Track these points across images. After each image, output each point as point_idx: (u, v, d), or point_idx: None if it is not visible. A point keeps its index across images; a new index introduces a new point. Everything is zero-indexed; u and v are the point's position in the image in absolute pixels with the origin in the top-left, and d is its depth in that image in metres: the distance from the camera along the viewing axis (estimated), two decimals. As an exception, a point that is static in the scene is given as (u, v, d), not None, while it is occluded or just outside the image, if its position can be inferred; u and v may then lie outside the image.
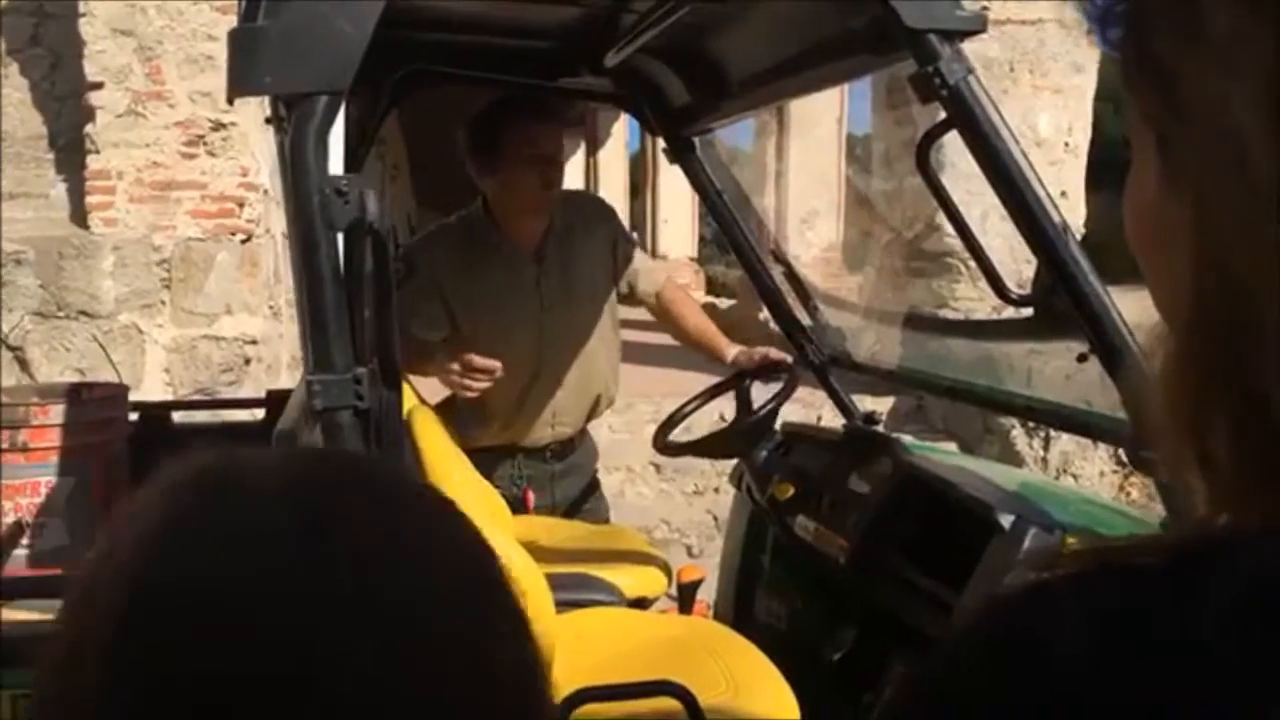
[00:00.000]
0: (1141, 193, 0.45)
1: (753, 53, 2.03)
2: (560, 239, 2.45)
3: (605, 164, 17.20)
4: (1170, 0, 0.39)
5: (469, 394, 2.20)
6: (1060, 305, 1.50)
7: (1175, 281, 0.42)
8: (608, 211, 2.67)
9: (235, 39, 1.19)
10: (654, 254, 14.97)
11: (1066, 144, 5.78)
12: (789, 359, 2.41)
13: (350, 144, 2.29)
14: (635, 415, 5.65)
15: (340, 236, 1.22)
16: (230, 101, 1.25)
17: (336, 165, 1.24)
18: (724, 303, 10.53)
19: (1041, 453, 4.62)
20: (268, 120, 1.24)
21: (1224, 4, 0.37)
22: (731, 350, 2.51)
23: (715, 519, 4.69)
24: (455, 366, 2.17)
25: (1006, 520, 1.65)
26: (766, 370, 2.41)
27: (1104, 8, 0.45)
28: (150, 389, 4.78)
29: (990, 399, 2.04)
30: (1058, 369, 1.61)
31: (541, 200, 2.36)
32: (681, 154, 2.50)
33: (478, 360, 2.17)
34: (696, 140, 2.51)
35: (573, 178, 19.67)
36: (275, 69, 1.17)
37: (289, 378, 5.00)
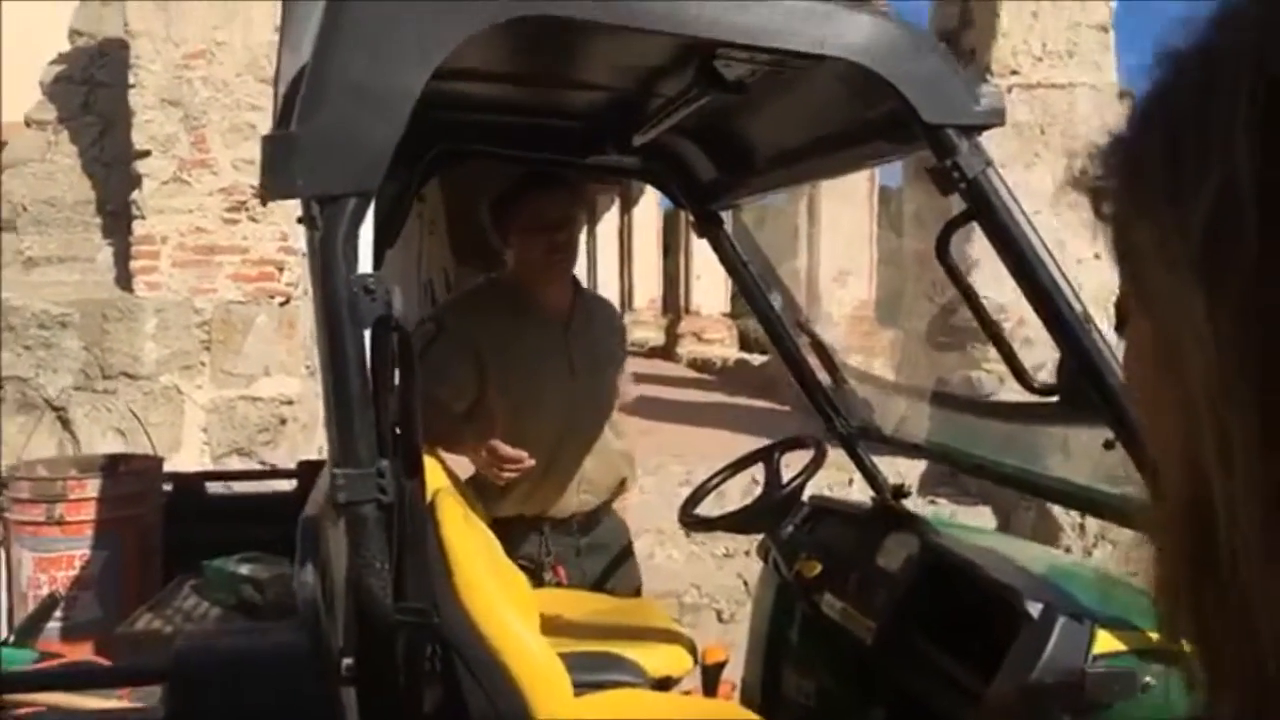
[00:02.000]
0: (1132, 356, 0.45)
1: (777, 135, 2.07)
2: (586, 312, 2.52)
3: (639, 221, 17.38)
4: (1145, 205, 0.40)
5: (499, 481, 2.26)
6: (1085, 393, 1.50)
7: (1164, 446, 0.43)
8: (617, 313, 2.89)
9: (269, 144, 1.23)
10: (687, 310, 15.05)
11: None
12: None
13: (384, 219, 2.36)
14: (666, 477, 5.63)
15: (367, 333, 1.24)
16: (264, 204, 1.29)
17: (365, 261, 1.27)
18: (757, 359, 10.52)
19: (1078, 519, 4.54)
20: (299, 220, 1.28)
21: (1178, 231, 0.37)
22: None
23: (745, 583, 4.64)
24: (485, 455, 2.21)
25: (1035, 609, 1.63)
26: (794, 444, 2.41)
27: (1095, 185, 0.45)
28: (189, 449, 4.86)
29: (1018, 479, 2.02)
30: (1091, 444, 1.60)
31: (551, 267, 2.44)
32: (708, 228, 2.53)
33: (506, 451, 2.21)
34: (724, 215, 2.53)
35: (607, 235, 19.92)
36: (307, 172, 1.21)
37: (324, 438, 5.05)
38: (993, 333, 1.64)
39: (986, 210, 1.42)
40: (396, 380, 1.28)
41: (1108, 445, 1.54)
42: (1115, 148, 0.43)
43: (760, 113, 1.99)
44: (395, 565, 1.27)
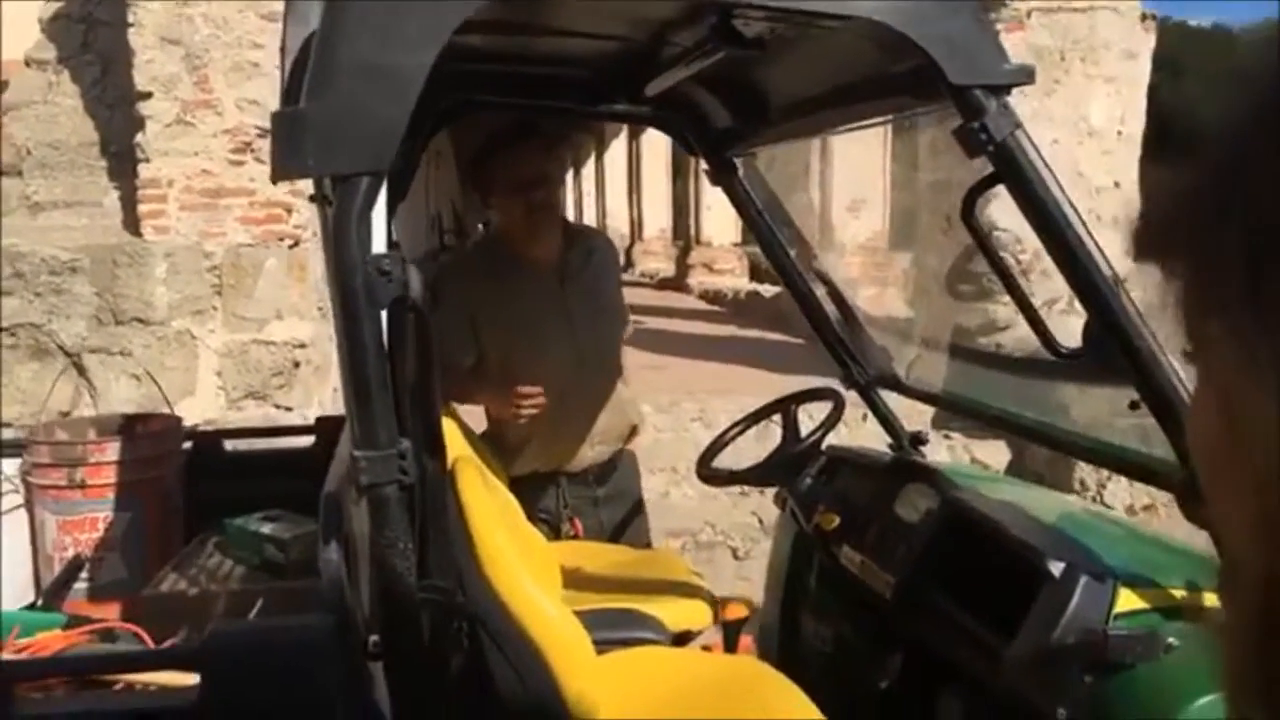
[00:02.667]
0: (1198, 431, 0.43)
1: (795, 84, 2.01)
2: (581, 260, 2.49)
3: (648, 148, 17.14)
4: (1221, 302, 0.38)
5: (520, 419, 2.27)
6: (1111, 355, 1.48)
7: (1233, 521, 0.41)
8: (614, 247, 2.80)
9: (278, 122, 1.20)
10: (698, 240, 14.92)
11: (1120, 132, 5.64)
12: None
13: (395, 173, 2.33)
14: (679, 414, 5.64)
15: (383, 313, 1.23)
16: (274, 182, 1.26)
17: (380, 241, 1.25)
18: (769, 290, 10.46)
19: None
20: (311, 198, 1.25)
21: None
22: None
23: (760, 521, 4.68)
24: (501, 398, 2.22)
25: (1056, 568, 1.63)
26: (811, 396, 2.40)
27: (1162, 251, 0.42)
28: (203, 393, 4.88)
29: (1038, 432, 2.01)
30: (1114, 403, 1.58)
31: (535, 225, 2.41)
32: (722, 175, 2.48)
33: (521, 389, 2.23)
34: (737, 161, 2.48)
35: (615, 163, 19.67)
36: (318, 151, 1.18)
37: (338, 380, 5.07)
38: (1016, 293, 1.61)
39: (1014, 173, 1.39)
40: (414, 360, 1.27)
41: (1133, 406, 1.52)
42: (1183, 227, 0.40)
43: (779, 64, 1.94)
44: (418, 543, 1.28)
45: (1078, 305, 1.48)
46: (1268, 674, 0.39)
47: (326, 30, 1.16)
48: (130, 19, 4.81)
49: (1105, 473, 4.76)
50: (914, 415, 3.26)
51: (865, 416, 4.28)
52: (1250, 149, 0.38)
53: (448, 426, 1.90)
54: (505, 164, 2.38)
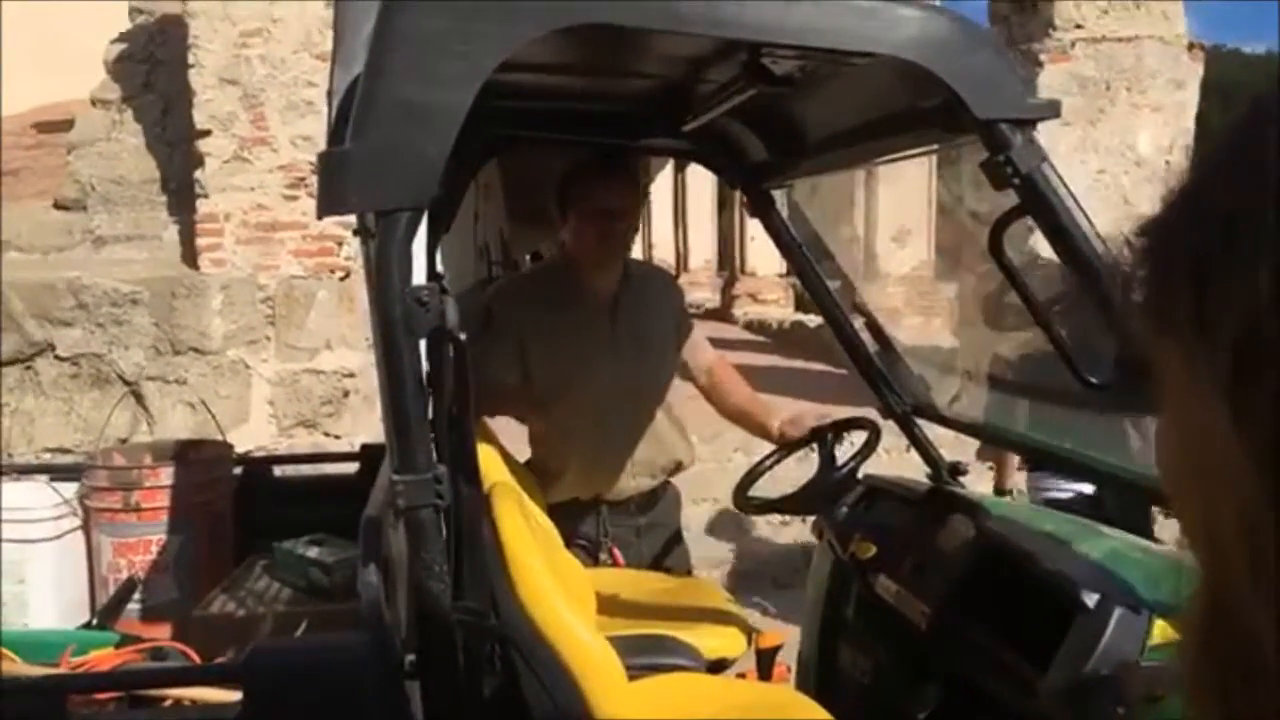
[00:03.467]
0: (1162, 453, 0.45)
1: (827, 120, 2.04)
2: (634, 295, 2.52)
3: (694, 180, 17.24)
4: (1172, 325, 0.40)
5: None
6: (1139, 387, 1.48)
7: (1195, 541, 0.43)
8: (675, 286, 2.81)
9: (324, 161, 1.26)
10: (742, 270, 14.95)
11: (1167, 162, 5.59)
12: (828, 419, 2.42)
13: (439, 205, 2.39)
14: (722, 445, 5.65)
15: (422, 343, 1.27)
16: (320, 218, 1.32)
17: (419, 273, 1.30)
18: (813, 320, 10.44)
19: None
20: (355, 232, 1.31)
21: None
22: (776, 424, 2.52)
23: (802, 550, 4.67)
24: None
25: (1091, 599, 1.62)
26: (849, 425, 2.41)
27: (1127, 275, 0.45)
28: (256, 421, 5.00)
29: (1074, 462, 2.00)
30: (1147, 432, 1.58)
31: (601, 253, 2.44)
32: (760, 207, 2.52)
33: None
34: (775, 194, 2.52)
35: (661, 195, 19.79)
36: (360, 188, 1.23)
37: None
38: (1045, 325, 1.62)
39: (1041, 205, 1.40)
40: (452, 388, 1.31)
41: (1165, 436, 1.52)
42: (1142, 255, 0.43)
43: (811, 99, 1.97)
44: (454, 565, 1.32)
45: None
46: (1218, 669, 0.41)
47: (370, 71, 1.22)
48: (191, 60, 4.99)
49: (1153, 508, 4.68)
50: (958, 447, 3.25)
51: (908, 447, 4.27)
52: (1203, 178, 0.41)
53: (487, 453, 1.94)
54: (592, 190, 2.43)
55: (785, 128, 2.20)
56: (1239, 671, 0.40)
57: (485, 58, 1.23)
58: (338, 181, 1.24)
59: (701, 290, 17.59)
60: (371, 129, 1.23)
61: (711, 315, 14.97)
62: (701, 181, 16.90)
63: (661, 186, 19.33)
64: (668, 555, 2.62)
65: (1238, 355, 0.36)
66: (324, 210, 1.27)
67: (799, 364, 9.19)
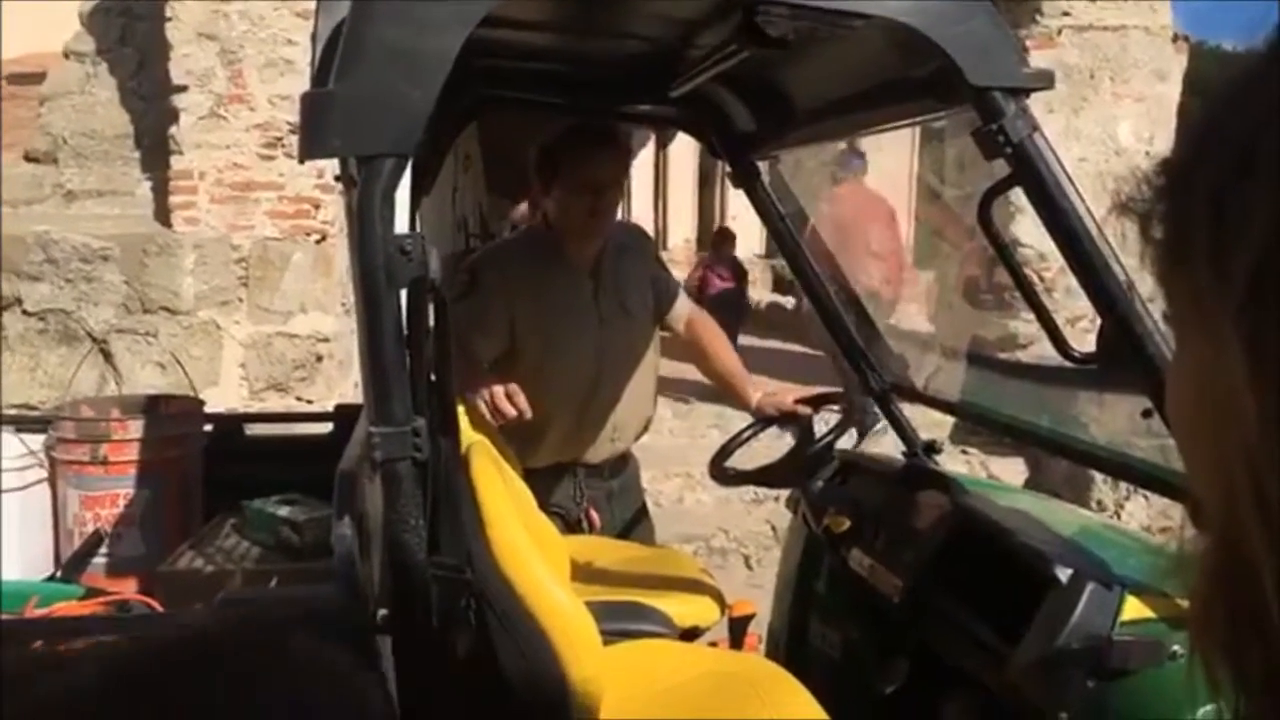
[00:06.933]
0: (1173, 391, 0.44)
1: (818, 87, 2.03)
2: (614, 259, 2.52)
3: (675, 157, 17.18)
4: (1186, 262, 0.40)
5: (498, 420, 2.15)
6: (1125, 361, 1.48)
7: (1203, 482, 0.42)
8: (647, 239, 2.80)
9: (307, 102, 1.23)
10: (722, 250, 14.92)
11: (1148, 153, 5.62)
12: (807, 411, 2.40)
13: (421, 166, 2.36)
14: (696, 420, 5.66)
15: (403, 293, 1.25)
16: (301, 162, 1.29)
17: (402, 221, 1.28)
18: (790, 301, 10.46)
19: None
20: (337, 178, 1.28)
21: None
22: (755, 396, 2.51)
23: (774, 529, 4.68)
24: (487, 395, 2.13)
25: (1064, 574, 1.63)
26: (826, 400, 2.41)
27: (1143, 211, 0.45)
28: (227, 384, 4.94)
29: (1052, 441, 2.01)
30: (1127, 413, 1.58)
31: (590, 225, 2.42)
32: (746, 178, 2.50)
33: (512, 404, 2.12)
34: (761, 165, 2.50)
35: (642, 173, 19.70)
36: (344, 133, 1.20)
37: (359, 374, 5.11)
38: (1032, 300, 1.62)
39: (1031, 176, 1.40)
40: (431, 339, 1.29)
41: (1146, 414, 1.53)
42: (1159, 193, 0.42)
43: (802, 66, 1.96)
44: (430, 520, 1.30)
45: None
46: (1230, 630, 0.41)
47: (356, 15, 1.19)
48: (168, 14, 4.89)
49: (1123, 491, 4.73)
50: (933, 429, 3.25)
51: (885, 427, 4.29)
52: (1219, 113, 0.40)
53: (463, 413, 1.92)
54: (580, 162, 2.38)
55: (774, 96, 2.18)
56: (1248, 624, 0.39)
57: (474, 2, 1.21)
58: (321, 124, 1.21)
59: (680, 269, 17.57)
60: (357, 72, 1.20)
61: (689, 294, 14.95)
62: (683, 160, 16.84)
63: (642, 164, 19.26)
64: (637, 524, 2.63)
65: (1250, 283, 0.36)
66: (305, 154, 1.24)
67: (774, 344, 9.21)
